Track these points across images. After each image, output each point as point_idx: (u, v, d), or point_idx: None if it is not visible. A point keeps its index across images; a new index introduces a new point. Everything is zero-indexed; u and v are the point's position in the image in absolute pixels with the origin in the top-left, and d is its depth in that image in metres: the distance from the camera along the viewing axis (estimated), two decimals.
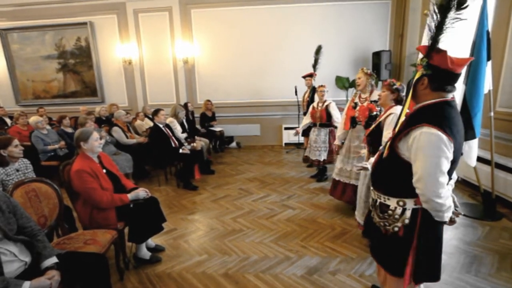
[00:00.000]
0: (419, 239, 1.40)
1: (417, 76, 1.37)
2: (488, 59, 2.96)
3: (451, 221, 1.44)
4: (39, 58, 6.98)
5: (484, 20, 2.92)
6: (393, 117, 2.29)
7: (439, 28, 1.29)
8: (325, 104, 4.19)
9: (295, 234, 3.02)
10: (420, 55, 1.46)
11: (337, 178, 3.40)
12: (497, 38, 3.59)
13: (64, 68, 7.03)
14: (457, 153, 1.33)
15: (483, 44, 2.93)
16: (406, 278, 1.44)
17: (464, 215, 3.26)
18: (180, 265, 2.58)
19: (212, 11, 6.46)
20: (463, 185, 4.08)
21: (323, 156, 4.29)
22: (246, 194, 4.12)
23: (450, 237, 2.86)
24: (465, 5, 1.23)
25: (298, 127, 4.58)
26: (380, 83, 6.11)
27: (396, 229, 1.44)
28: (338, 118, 4.02)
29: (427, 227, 1.39)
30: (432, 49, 1.32)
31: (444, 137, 1.25)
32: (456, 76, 1.33)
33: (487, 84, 3.02)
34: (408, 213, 1.41)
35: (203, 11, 6.48)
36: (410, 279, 1.44)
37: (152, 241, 2.80)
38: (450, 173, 1.36)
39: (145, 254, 2.60)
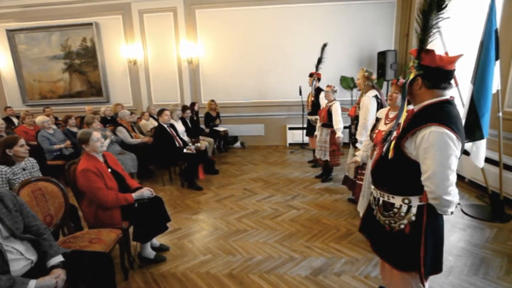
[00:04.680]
0: (426, 235, 1.44)
1: (411, 77, 1.43)
2: (497, 58, 2.91)
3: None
4: (46, 58, 7.05)
5: (492, 18, 2.87)
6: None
7: (424, 30, 1.36)
8: (329, 104, 4.18)
9: (300, 235, 3.00)
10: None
11: (347, 174, 3.48)
12: (505, 37, 3.53)
13: (70, 68, 7.09)
14: (461, 150, 1.38)
15: (492, 43, 2.88)
16: (422, 273, 1.46)
17: (471, 216, 3.22)
18: (185, 264, 2.58)
19: (216, 11, 6.46)
20: (470, 186, 4.03)
21: (326, 156, 4.26)
22: (250, 194, 4.11)
23: (458, 239, 2.82)
24: (444, 5, 1.29)
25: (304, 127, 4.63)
26: (385, 83, 6.07)
27: (402, 226, 1.47)
28: (337, 121, 4.01)
29: (433, 222, 1.45)
30: (421, 51, 1.38)
31: (453, 135, 1.28)
32: (448, 73, 1.38)
33: (495, 84, 2.97)
34: (414, 210, 1.45)
35: (208, 11, 6.49)
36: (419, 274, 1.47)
37: (156, 241, 2.80)
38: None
39: (150, 253, 2.61)
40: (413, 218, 1.44)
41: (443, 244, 1.53)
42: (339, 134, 4.02)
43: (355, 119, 3.32)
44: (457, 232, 2.93)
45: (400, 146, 1.42)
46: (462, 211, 3.34)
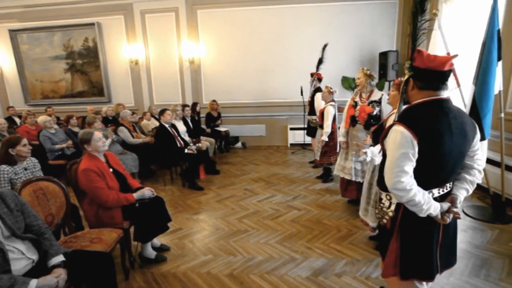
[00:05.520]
0: (401, 233, 1.47)
1: (405, 78, 1.47)
2: (499, 59, 2.90)
3: (443, 219, 1.41)
4: (48, 58, 7.07)
5: (494, 19, 2.86)
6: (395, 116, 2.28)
7: (414, 30, 1.45)
8: (324, 106, 4.18)
9: (301, 235, 3.00)
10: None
11: (336, 174, 3.52)
12: (507, 38, 3.52)
13: (72, 68, 7.11)
14: (437, 152, 1.33)
15: (494, 44, 2.87)
16: (385, 268, 1.52)
17: (473, 217, 3.21)
18: (185, 264, 2.59)
19: (218, 11, 6.47)
20: None
21: (317, 156, 4.33)
22: (251, 195, 4.11)
23: (459, 240, 2.78)
24: (425, 8, 1.41)
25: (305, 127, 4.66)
26: (386, 83, 6.06)
27: (385, 221, 1.54)
28: (326, 125, 4.02)
29: (410, 221, 1.44)
30: (413, 51, 1.41)
31: (408, 135, 1.30)
32: (440, 74, 1.36)
33: (497, 84, 2.96)
34: (392, 207, 1.50)
35: (209, 12, 6.49)
36: (394, 272, 1.49)
37: (157, 241, 2.81)
38: (438, 172, 1.40)
39: (151, 253, 2.61)
40: (390, 214, 1.51)
41: (431, 250, 1.47)
42: (324, 137, 4.06)
43: (372, 119, 3.10)
44: (458, 233, 2.88)
45: (382, 144, 1.49)
46: (464, 212, 3.32)
